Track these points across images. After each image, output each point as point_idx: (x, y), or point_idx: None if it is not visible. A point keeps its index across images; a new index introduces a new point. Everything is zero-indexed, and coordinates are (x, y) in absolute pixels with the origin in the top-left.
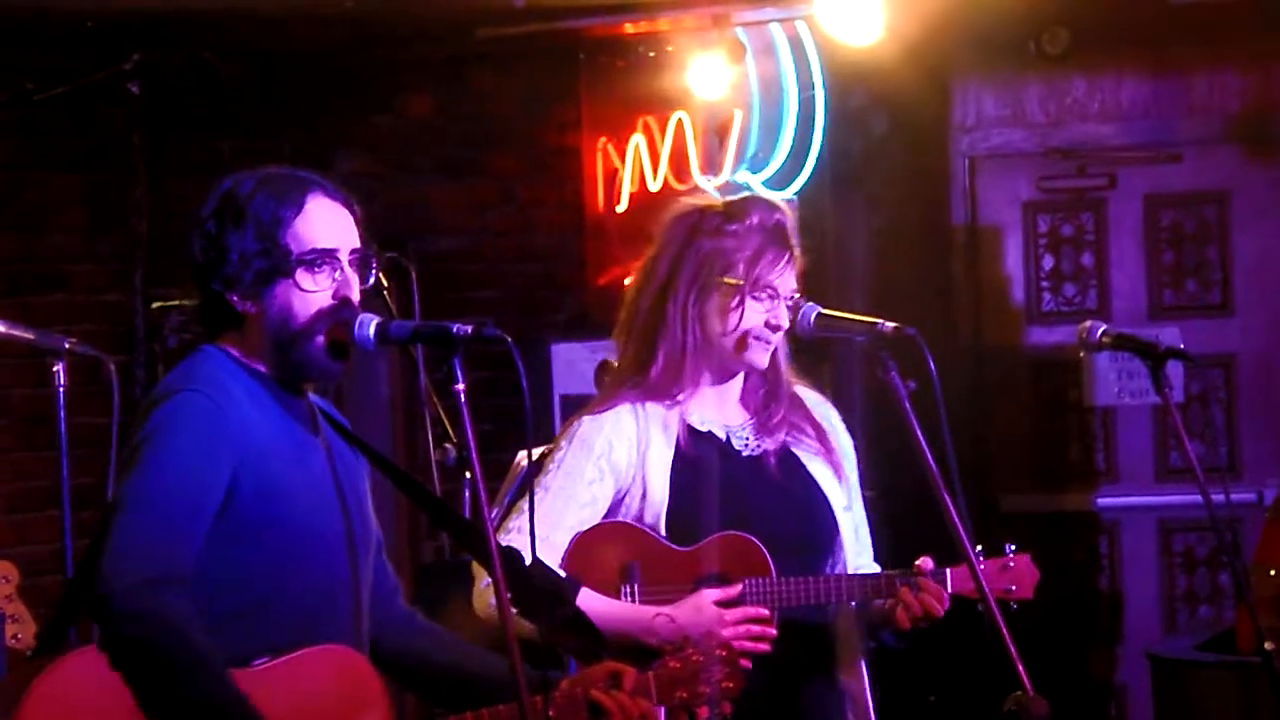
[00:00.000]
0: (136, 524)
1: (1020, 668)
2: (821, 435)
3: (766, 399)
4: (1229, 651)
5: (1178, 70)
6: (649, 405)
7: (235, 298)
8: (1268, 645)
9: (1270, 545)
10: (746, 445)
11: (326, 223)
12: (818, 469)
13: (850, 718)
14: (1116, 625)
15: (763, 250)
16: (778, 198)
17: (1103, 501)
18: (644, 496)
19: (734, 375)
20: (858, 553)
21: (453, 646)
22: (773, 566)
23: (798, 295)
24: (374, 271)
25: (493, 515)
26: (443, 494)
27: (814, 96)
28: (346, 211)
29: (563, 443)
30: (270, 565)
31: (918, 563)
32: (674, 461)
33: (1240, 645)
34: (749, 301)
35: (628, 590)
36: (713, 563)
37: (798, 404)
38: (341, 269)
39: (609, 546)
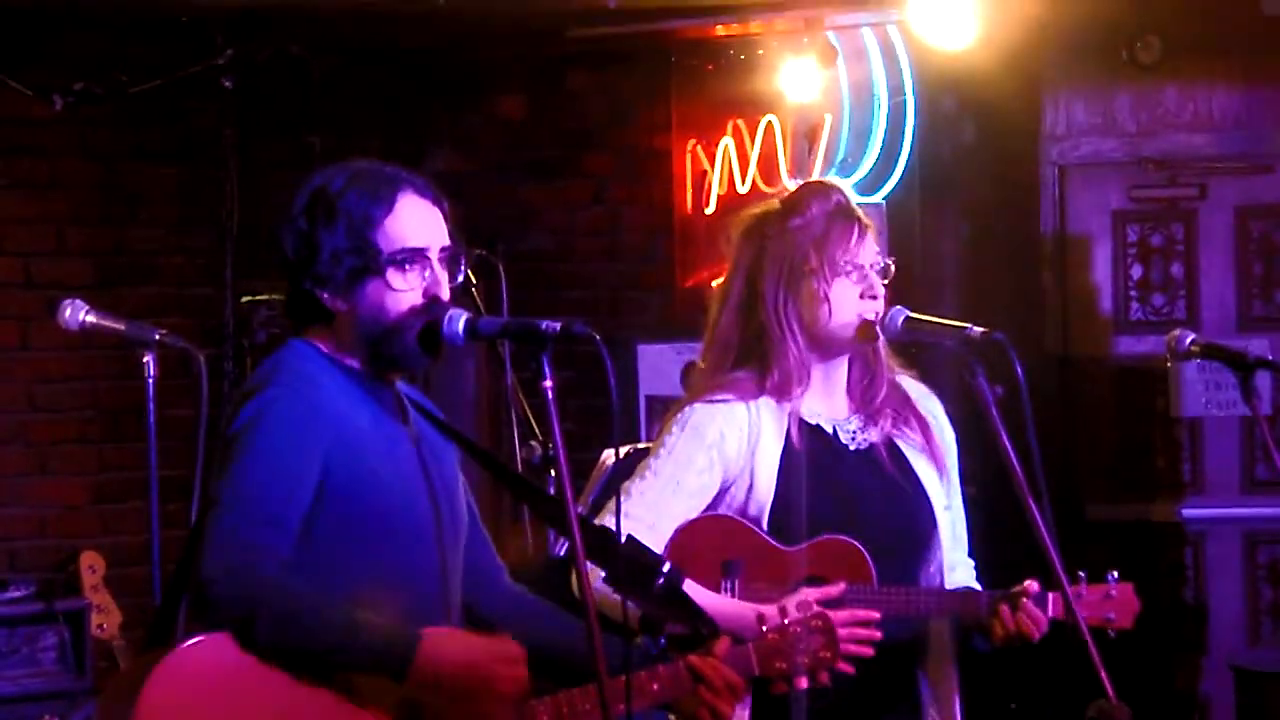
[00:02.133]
0: (232, 518)
1: (1104, 675)
2: (925, 428)
3: (868, 387)
4: None
5: (1270, 80)
6: (763, 399)
7: (325, 295)
8: None
9: None
10: (853, 439)
11: (417, 221)
12: (920, 464)
13: (933, 715)
14: (1201, 636)
15: (829, 231)
16: (844, 185)
17: (1188, 512)
18: (750, 490)
19: (841, 364)
20: (954, 549)
21: (562, 623)
22: (874, 573)
23: (885, 261)
24: (463, 269)
25: (576, 513)
26: None
27: (904, 102)
28: (436, 209)
29: (673, 428)
30: (363, 553)
31: (1024, 585)
32: (783, 456)
33: None
34: (835, 283)
35: (728, 586)
36: (815, 565)
37: (901, 394)
38: (431, 267)
39: (712, 540)
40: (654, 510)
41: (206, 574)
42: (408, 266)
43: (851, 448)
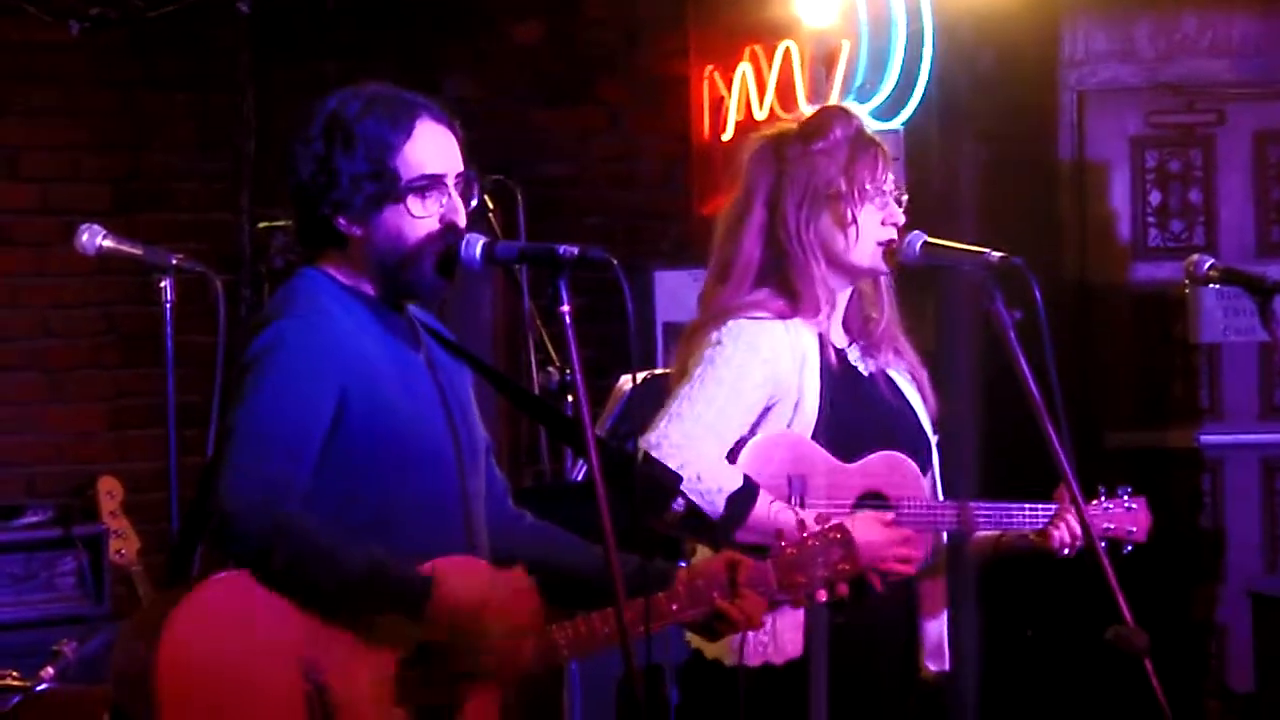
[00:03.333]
0: (248, 450)
1: (1121, 599)
2: (914, 363)
3: (870, 317)
4: None
5: None
6: (797, 320)
7: (341, 220)
8: None
9: None
10: (862, 363)
11: (435, 148)
12: (912, 395)
13: (927, 646)
14: (1218, 563)
15: (855, 156)
16: (861, 111)
17: (1206, 439)
18: (796, 410)
19: (849, 291)
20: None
21: (568, 546)
22: (925, 488)
23: (902, 192)
24: (476, 195)
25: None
26: None
27: (922, 28)
28: (451, 134)
29: (725, 340)
30: (384, 481)
31: (1058, 493)
32: (823, 376)
33: None
34: (861, 207)
35: (794, 500)
36: (872, 479)
37: (897, 326)
38: (449, 194)
39: (775, 455)
40: (722, 417)
41: (228, 507)
42: (427, 194)
43: (862, 371)
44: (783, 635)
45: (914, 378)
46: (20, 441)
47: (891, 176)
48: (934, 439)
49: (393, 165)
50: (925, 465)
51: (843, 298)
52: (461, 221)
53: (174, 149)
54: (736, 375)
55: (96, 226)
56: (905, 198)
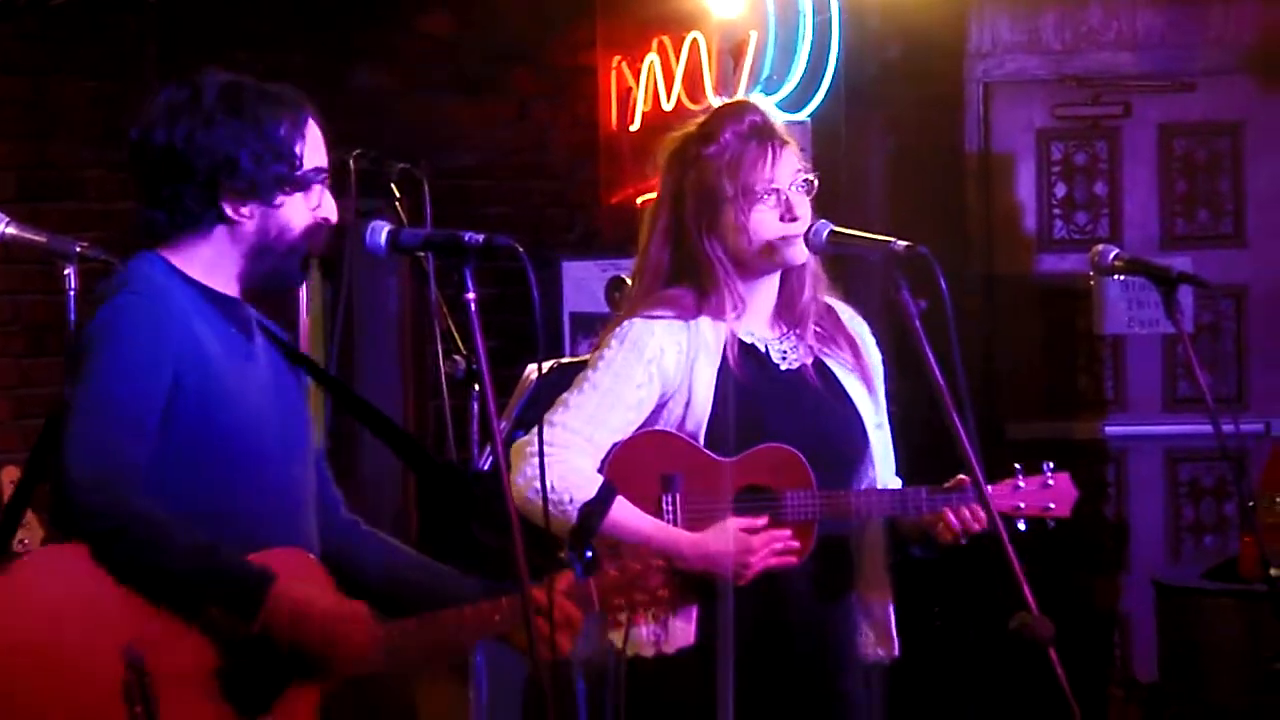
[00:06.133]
0: (87, 425)
1: (1026, 588)
2: (854, 349)
3: (796, 308)
4: (1233, 580)
5: (1194, 0)
6: (703, 319)
7: (228, 201)
8: (1274, 571)
9: (1277, 475)
10: (784, 358)
11: (319, 143)
12: (851, 383)
13: (868, 633)
14: (1122, 553)
15: (740, 156)
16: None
17: (1110, 430)
18: (688, 405)
19: (768, 285)
20: (884, 468)
21: (395, 555)
22: (814, 478)
23: (807, 177)
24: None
25: (501, 427)
26: (451, 408)
27: (830, 18)
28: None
29: (612, 342)
30: (217, 468)
31: (956, 479)
32: (719, 372)
33: (1244, 573)
34: (753, 210)
35: (669, 500)
36: (754, 473)
37: (831, 315)
38: (325, 190)
39: (651, 455)
40: (592, 423)
41: (74, 479)
42: (311, 189)
43: (783, 367)
44: (674, 625)
45: (858, 365)
46: None
47: (793, 167)
48: (874, 425)
49: (300, 154)
50: (854, 456)
51: (760, 293)
52: (335, 218)
53: (79, 138)
54: (615, 378)
55: (0, 214)
56: (813, 180)
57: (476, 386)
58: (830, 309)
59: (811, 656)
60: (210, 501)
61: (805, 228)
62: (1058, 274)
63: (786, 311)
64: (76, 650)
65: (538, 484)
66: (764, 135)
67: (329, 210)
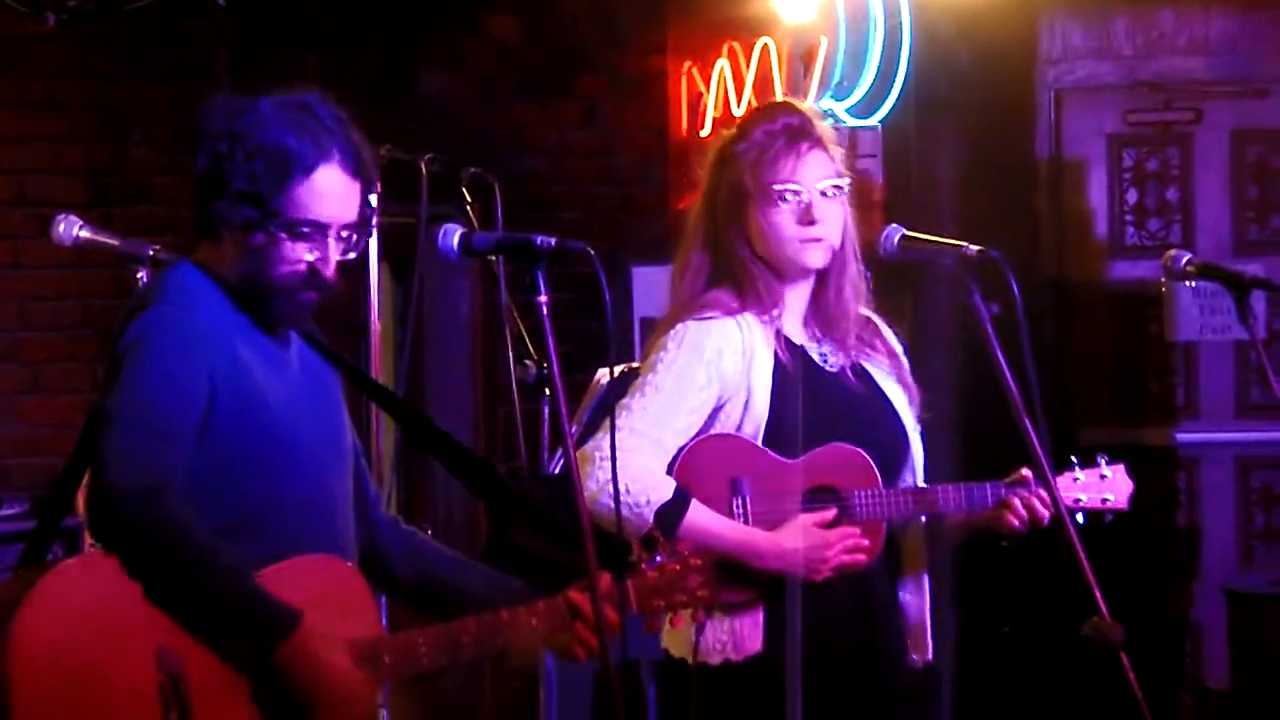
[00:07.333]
0: (127, 435)
1: (1097, 592)
2: (893, 355)
3: (833, 314)
4: None
5: (1266, 4)
6: (749, 315)
7: (220, 224)
8: None
9: None
10: (826, 360)
11: (329, 196)
12: (890, 387)
13: (905, 638)
14: (1193, 561)
15: (762, 155)
16: (804, 105)
17: (1182, 437)
18: (746, 407)
19: (803, 287)
20: (920, 474)
21: (436, 556)
22: (879, 477)
23: (836, 183)
24: (360, 246)
25: (572, 431)
26: (522, 413)
27: (900, 24)
28: (355, 182)
29: (669, 344)
30: (254, 475)
31: (1021, 473)
32: (775, 373)
33: None
34: (770, 210)
35: (738, 503)
36: (821, 474)
37: (871, 326)
38: (326, 243)
39: (717, 458)
40: (658, 425)
41: (117, 489)
42: (301, 239)
43: (827, 369)
44: (741, 633)
45: (893, 369)
46: None
47: (821, 171)
48: (914, 429)
49: (279, 199)
50: (899, 458)
51: (794, 294)
52: (329, 270)
53: (151, 142)
54: (677, 381)
55: (73, 217)
56: (843, 185)
57: (547, 391)
58: (869, 320)
59: (861, 661)
60: (246, 508)
61: (827, 233)
62: (1129, 280)
63: (820, 317)
64: (111, 657)
65: (611, 487)
66: (794, 136)
67: (320, 263)
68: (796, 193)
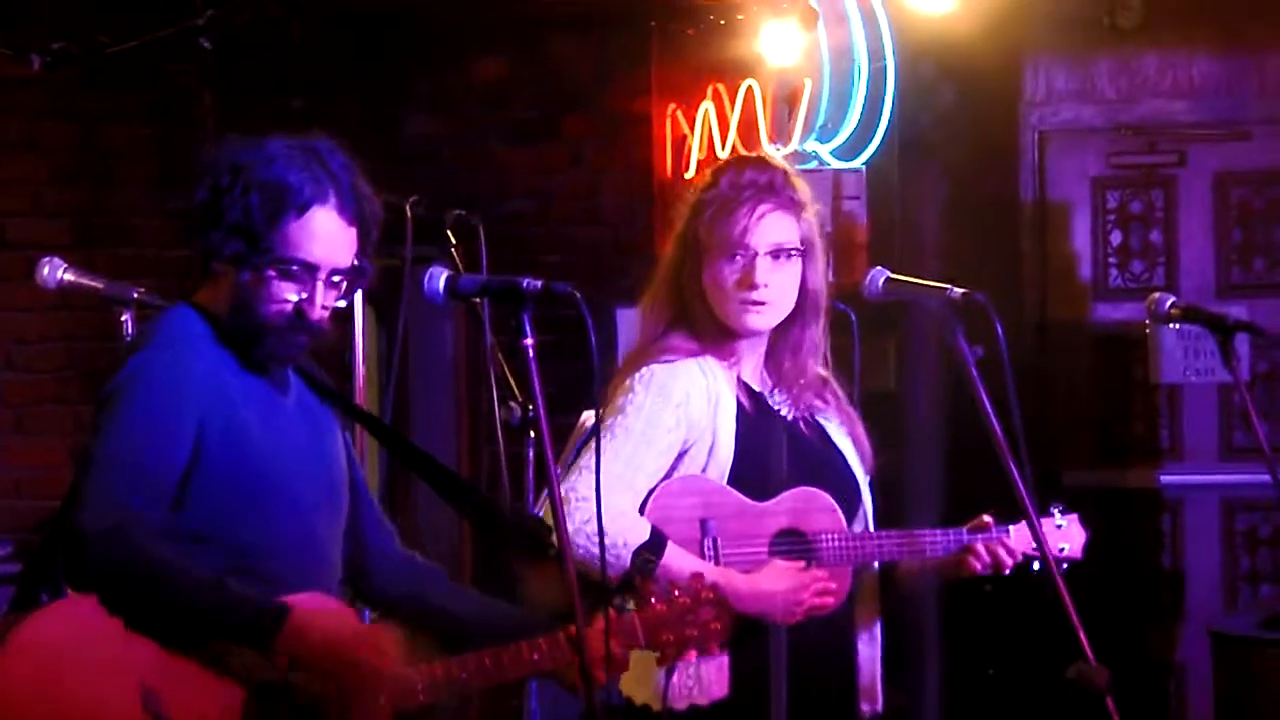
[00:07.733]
0: (107, 476)
1: (1082, 636)
2: (841, 407)
3: (788, 367)
4: None
5: (1250, 47)
6: (709, 359)
7: (213, 259)
8: None
9: None
10: (780, 409)
11: (321, 237)
12: (841, 440)
13: (861, 677)
14: (1178, 603)
15: (721, 209)
16: (777, 159)
17: (1166, 479)
18: (711, 451)
19: (758, 340)
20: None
21: (451, 590)
22: (844, 521)
23: (790, 249)
24: (352, 293)
25: (557, 473)
26: (506, 454)
27: (885, 67)
28: (351, 229)
29: (637, 388)
30: (237, 519)
31: (979, 518)
32: (738, 418)
33: None
34: (718, 264)
35: (708, 545)
36: (788, 517)
37: (826, 383)
38: (314, 285)
39: (685, 501)
40: (630, 467)
41: (81, 532)
42: (290, 279)
43: (783, 415)
44: (707, 677)
45: (845, 424)
46: None
47: (778, 232)
48: (864, 481)
49: (270, 234)
50: (853, 508)
51: (748, 346)
52: (315, 315)
53: (135, 184)
54: (646, 423)
55: (57, 260)
56: (794, 253)
57: (532, 433)
58: (826, 380)
59: (827, 709)
60: (229, 551)
61: (771, 298)
62: (1113, 322)
63: (775, 372)
64: (97, 700)
65: (588, 529)
66: (756, 193)
67: (307, 304)
68: (743, 253)
